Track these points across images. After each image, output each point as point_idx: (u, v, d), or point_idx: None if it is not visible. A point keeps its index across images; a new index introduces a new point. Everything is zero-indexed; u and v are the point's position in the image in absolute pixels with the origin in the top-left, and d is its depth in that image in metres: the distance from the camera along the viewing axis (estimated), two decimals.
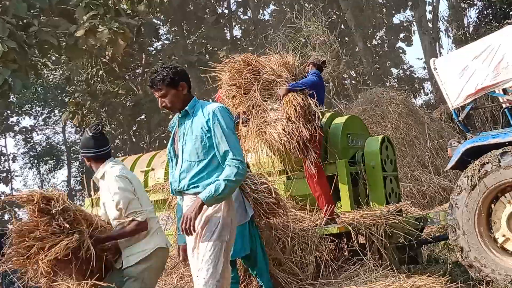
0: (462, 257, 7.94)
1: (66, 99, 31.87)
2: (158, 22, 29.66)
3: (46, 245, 5.41)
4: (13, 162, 41.92)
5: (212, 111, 5.36)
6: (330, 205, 8.71)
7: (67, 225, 5.48)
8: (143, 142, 30.58)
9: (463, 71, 8.13)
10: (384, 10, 33.23)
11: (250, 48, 27.42)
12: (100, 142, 5.98)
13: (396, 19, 33.63)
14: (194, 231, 5.11)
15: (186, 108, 5.46)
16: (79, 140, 40.34)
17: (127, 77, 29.06)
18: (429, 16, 31.05)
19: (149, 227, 5.82)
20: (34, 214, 5.50)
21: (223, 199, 5.24)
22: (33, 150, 41.65)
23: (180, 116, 5.53)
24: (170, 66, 5.54)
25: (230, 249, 5.39)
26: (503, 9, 22.55)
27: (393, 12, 33.12)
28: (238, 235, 6.99)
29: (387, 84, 30.95)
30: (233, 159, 5.21)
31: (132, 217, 5.66)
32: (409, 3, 32.09)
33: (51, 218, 5.50)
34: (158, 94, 5.47)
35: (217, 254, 5.20)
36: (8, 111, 36.26)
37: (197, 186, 5.32)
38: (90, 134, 5.94)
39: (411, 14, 32.61)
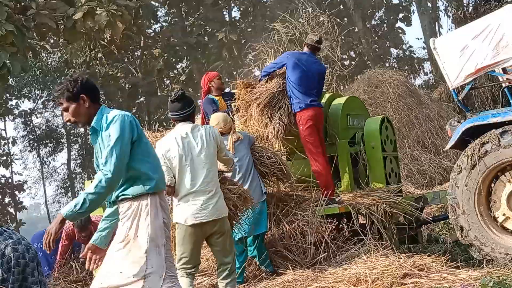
0: (462, 236, 7.97)
1: None
2: (157, 4, 29.54)
3: None
4: (13, 145, 41.85)
5: (107, 122, 5.19)
6: (330, 186, 8.73)
7: None
8: (142, 125, 30.49)
9: (463, 51, 8.11)
10: None
11: (249, 30, 27.34)
12: (179, 106, 6.31)
13: None
14: (53, 246, 5.01)
15: (92, 124, 5.27)
16: None
17: (126, 60, 28.99)
18: None
19: None
20: None
21: (86, 213, 5.10)
22: (32, 133, 41.56)
23: (91, 133, 5.38)
24: (71, 79, 5.32)
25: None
26: None
27: None
28: (263, 212, 7.17)
29: (387, 64, 30.86)
30: (102, 170, 5.05)
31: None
32: None
33: None
34: (61, 108, 5.34)
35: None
36: (7, 95, 36.19)
37: (124, 195, 5.21)
38: (170, 99, 6.39)
39: None
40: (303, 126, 8.64)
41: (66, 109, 5.29)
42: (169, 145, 6.18)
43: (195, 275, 6.70)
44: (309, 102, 8.72)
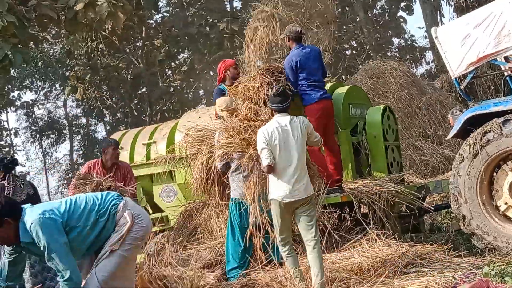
0: (464, 225, 7.98)
1: (67, 73, 31.79)
2: None
3: None
4: (15, 136, 41.97)
5: (33, 232, 5.49)
6: (330, 176, 8.72)
7: None
8: (144, 115, 30.53)
9: (465, 40, 8.10)
10: None
11: (250, 20, 27.27)
12: (280, 99, 7.20)
13: None
14: None
15: (21, 239, 5.57)
16: (80, 114, 40.48)
17: (127, 50, 28.96)
18: None
19: None
20: None
21: None
22: (34, 124, 41.63)
23: (22, 250, 5.71)
24: None
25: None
26: None
27: None
28: None
29: (388, 54, 30.80)
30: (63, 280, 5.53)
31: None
32: None
33: None
34: None
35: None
36: (9, 86, 36.22)
37: None
38: (273, 93, 7.38)
39: None
40: (312, 118, 8.60)
41: None
42: (272, 132, 7.02)
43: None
44: (319, 96, 8.77)
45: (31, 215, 5.54)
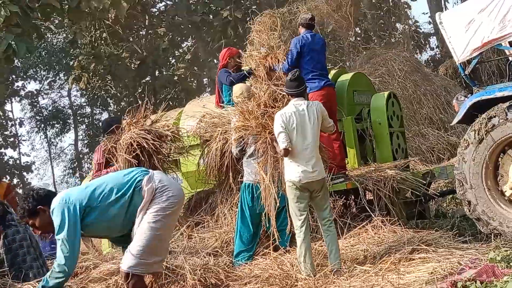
0: (469, 211, 7.97)
1: (71, 63, 31.77)
2: None
3: None
4: (20, 126, 42.03)
5: (52, 215, 5.80)
6: (338, 162, 8.74)
7: None
8: (147, 105, 30.46)
9: (469, 25, 8.06)
10: None
11: (254, 7, 27.20)
12: (296, 84, 7.37)
13: None
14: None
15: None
16: (85, 103, 40.52)
17: (131, 39, 28.90)
18: None
19: None
20: None
21: None
22: (39, 114, 41.64)
23: None
24: (28, 195, 5.91)
25: None
26: None
27: None
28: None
29: (392, 40, 30.70)
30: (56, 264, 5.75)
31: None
32: None
33: None
34: (30, 224, 6.01)
35: None
36: (13, 76, 36.23)
37: None
38: (289, 78, 7.47)
39: None
40: None
41: (33, 225, 5.94)
42: (290, 117, 7.21)
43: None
44: (323, 84, 8.81)
45: (54, 200, 5.82)
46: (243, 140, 8.09)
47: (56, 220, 5.70)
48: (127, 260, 5.83)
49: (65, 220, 5.67)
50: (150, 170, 6.29)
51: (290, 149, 7.11)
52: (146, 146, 8.15)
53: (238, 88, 8.72)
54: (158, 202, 5.92)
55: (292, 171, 7.19)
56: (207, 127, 9.06)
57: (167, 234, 6.18)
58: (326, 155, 8.10)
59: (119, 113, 33.35)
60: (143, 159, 8.21)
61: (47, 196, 5.89)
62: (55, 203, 5.76)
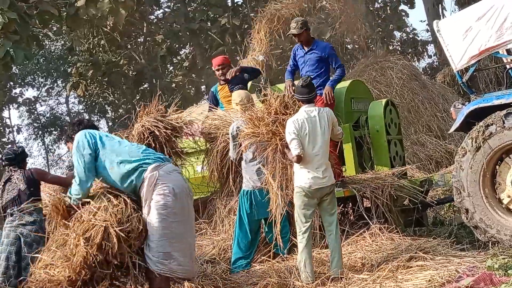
0: (467, 219, 7.97)
1: (69, 70, 31.78)
2: None
3: None
4: (18, 133, 42.00)
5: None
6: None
7: None
8: None
9: (467, 33, 8.07)
10: None
11: (251, 15, 27.24)
12: (307, 90, 7.44)
13: None
14: None
15: None
16: (82, 110, 40.48)
17: (129, 46, 28.93)
18: None
19: None
20: None
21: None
22: (37, 121, 41.63)
23: None
24: (75, 123, 7.02)
25: None
26: None
27: None
28: None
29: (390, 47, 30.75)
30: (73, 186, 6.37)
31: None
32: None
33: None
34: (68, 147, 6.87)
35: None
36: (11, 83, 36.20)
37: None
38: (300, 84, 7.55)
39: None
40: None
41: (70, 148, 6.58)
42: (302, 123, 7.28)
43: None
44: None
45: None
46: (251, 145, 8.08)
47: (74, 147, 6.32)
48: (147, 259, 6.07)
49: (81, 149, 6.28)
50: (167, 162, 6.45)
51: (302, 155, 7.17)
52: (158, 134, 7.89)
53: (237, 95, 8.74)
54: (160, 198, 6.11)
55: (302, 177, 7.25)
56: (209, 129, 9.10)
57: (179, 232, 6.25)
58: (333, 161, 8.14)
59: (117, 120, 33.39)
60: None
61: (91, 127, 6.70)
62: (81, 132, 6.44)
